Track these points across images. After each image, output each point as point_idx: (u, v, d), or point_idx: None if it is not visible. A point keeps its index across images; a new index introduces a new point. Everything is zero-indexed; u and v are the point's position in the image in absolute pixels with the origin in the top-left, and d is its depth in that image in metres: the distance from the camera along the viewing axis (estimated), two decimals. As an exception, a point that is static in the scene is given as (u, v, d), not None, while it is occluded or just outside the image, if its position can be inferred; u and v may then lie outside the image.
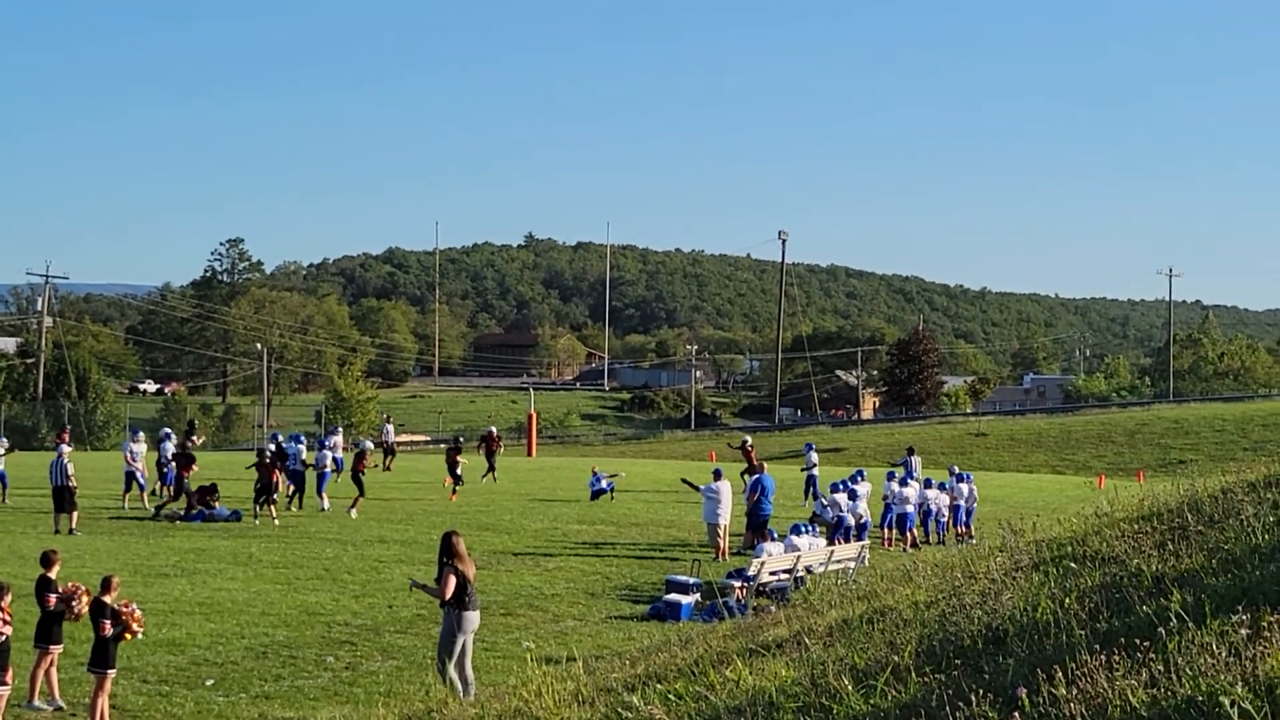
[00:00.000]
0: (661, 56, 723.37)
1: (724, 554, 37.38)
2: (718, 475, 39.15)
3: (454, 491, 52.95)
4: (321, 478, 47.11)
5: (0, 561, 32.62)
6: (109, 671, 19.94)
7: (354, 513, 44.38)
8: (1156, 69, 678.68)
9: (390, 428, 68.01)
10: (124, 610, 20.23)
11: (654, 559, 37.41)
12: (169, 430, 53.61)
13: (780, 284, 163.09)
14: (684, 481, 47.20)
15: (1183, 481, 24.79)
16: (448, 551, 20.08)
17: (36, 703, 21.07)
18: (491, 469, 58.35)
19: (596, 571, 35.08)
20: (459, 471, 54.36)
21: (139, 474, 46.24)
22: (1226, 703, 7.84)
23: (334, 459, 51.06)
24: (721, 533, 37.96)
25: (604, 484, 51.84)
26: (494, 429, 64.19)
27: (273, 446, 46.18)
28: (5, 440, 44.06)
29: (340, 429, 63.83)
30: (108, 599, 20.18)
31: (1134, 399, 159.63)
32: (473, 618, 20.01)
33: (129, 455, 46.79)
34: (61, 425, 73.42)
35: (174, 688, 22.42)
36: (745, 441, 57.84)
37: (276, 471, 44.18)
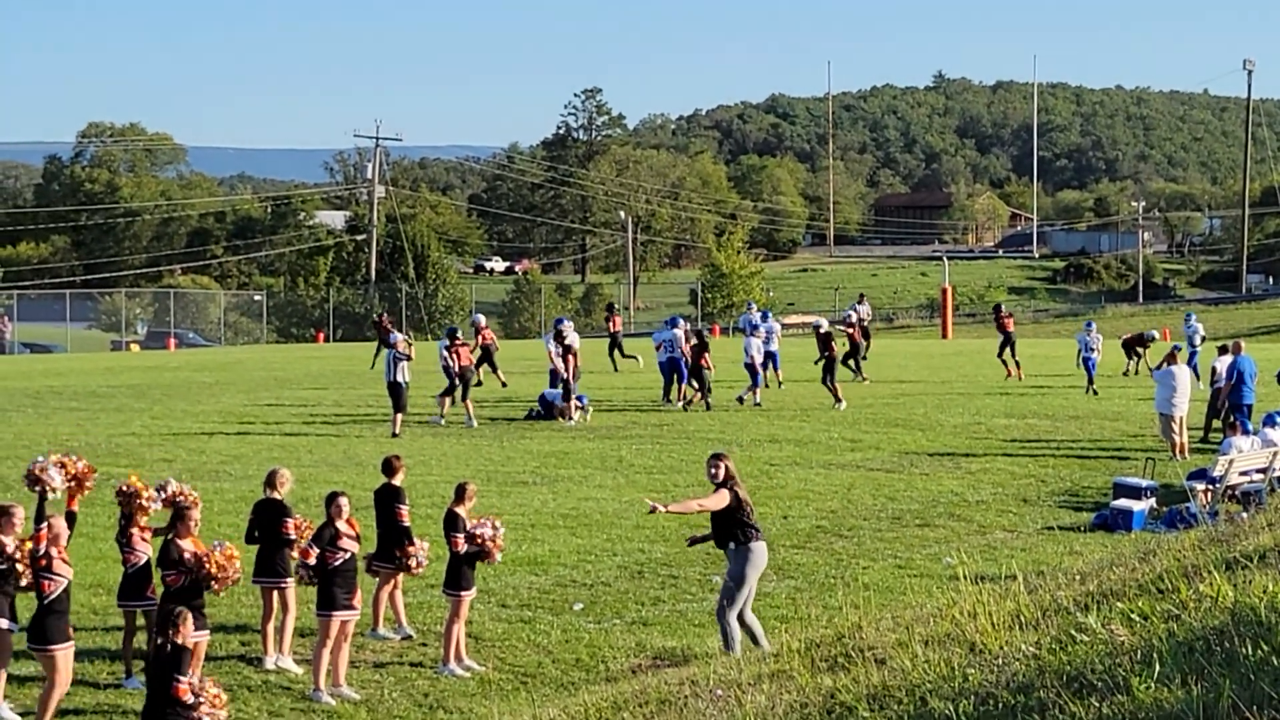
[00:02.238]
0: None
1: (1182, 450, 36.71)
2: (1172, 358, 38.46)
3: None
4: (750, 369, 47.40)
5: (335, 469, 33.61)
6: (464, 594, 20.29)
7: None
8: None
9: (863, 308, 66.68)
10: (482, 532, 20.40)
11: (1098, 458, 37.02)
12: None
13: (1246, 124, 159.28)
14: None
15: None
16: (727, 475, 19.06)
17: (382, 630, 21.61)
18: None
19: (1029, 474, 34.82)
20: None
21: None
22: None
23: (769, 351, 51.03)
24: (1177, 426, 37.23)
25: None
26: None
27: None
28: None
29: (768, 312, 61.61)
30: (462, 510, 20.47)
31: None
32: (762, 551, 19.33)
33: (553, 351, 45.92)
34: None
35: (537, 613, 22.85)
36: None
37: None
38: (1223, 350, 40.33)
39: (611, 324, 62.73)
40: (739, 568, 18.91)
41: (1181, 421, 37.27)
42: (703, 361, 45.94)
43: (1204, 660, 8.98)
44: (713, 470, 19.19)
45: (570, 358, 44.08)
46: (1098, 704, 8.59)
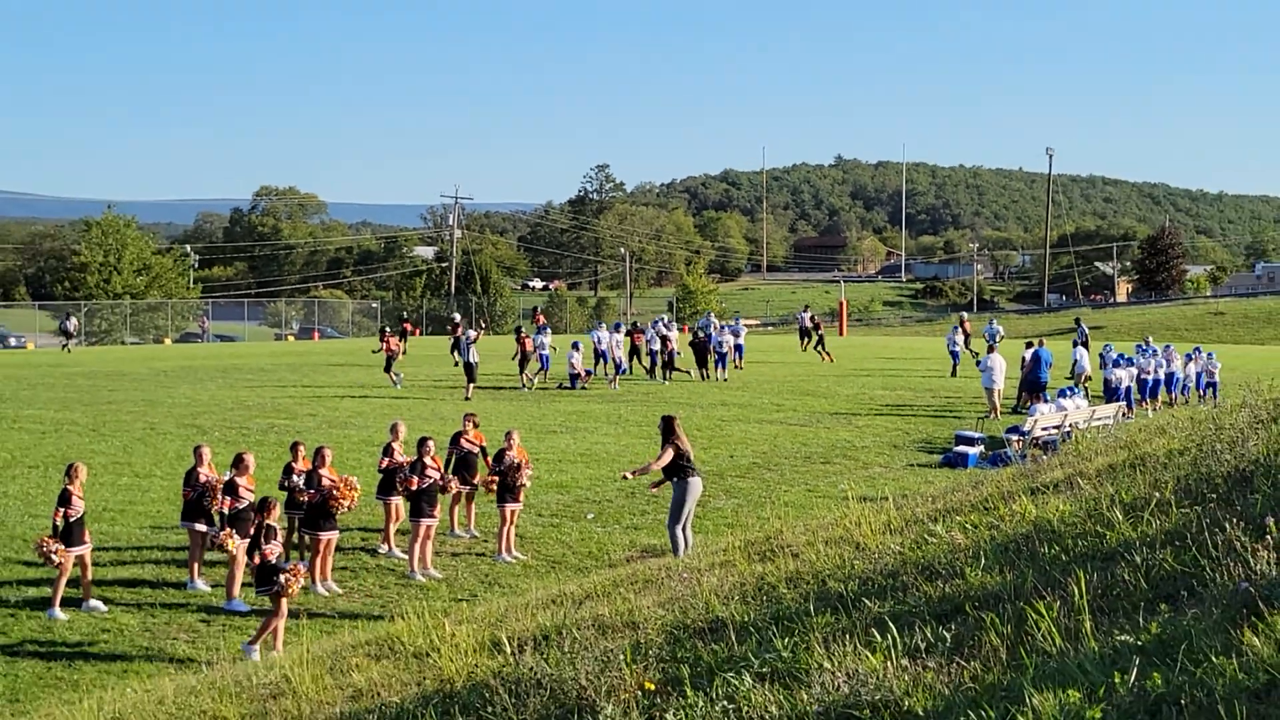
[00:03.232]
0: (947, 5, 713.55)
1: (998, 412, 36.76)
2: (989, 350, 38.82)
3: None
4: (721, 357, 47.66)
5: (425, 421, 33.53)
6: (509, 506, 20.38)
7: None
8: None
9: (807, 315, 66.24)
10: (512, 458, 20.56)
11: (945, 418, 36.94)
12: (619, 323, 52.73)
13: (1048, 192, 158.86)
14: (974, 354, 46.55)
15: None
16: (669, 431, 18.91)
17: (456, 531, 21.70)
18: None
19: (898, 428, 34.76)
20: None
21: (600, 358, 46.25)
22: None
23: (736, 345, 50.79)
24: (996, 396, 37.37)
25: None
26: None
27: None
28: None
29: (739, 318, 59.85)
30: (511, 451, 20.61)
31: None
32: (696, 484, 19.07)
33: (596, 341, 46.79)
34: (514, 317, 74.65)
35: (562, 520, 22.88)
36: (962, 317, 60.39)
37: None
38: (1029, 345, 40.34)
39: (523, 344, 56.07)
40: (679, 495, 18.79)
41: (999, 392, 37.37)
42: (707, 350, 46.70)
43: (1015, 556, 8.94)
44: (662, 426, 19.16)
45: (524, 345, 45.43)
46: (942, 585, 8.55)
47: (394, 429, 20.92)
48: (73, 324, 76.11)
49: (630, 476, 19.25)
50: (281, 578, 15.38)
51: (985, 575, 8.49)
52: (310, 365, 54.55)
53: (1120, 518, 9.20)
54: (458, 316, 54.43)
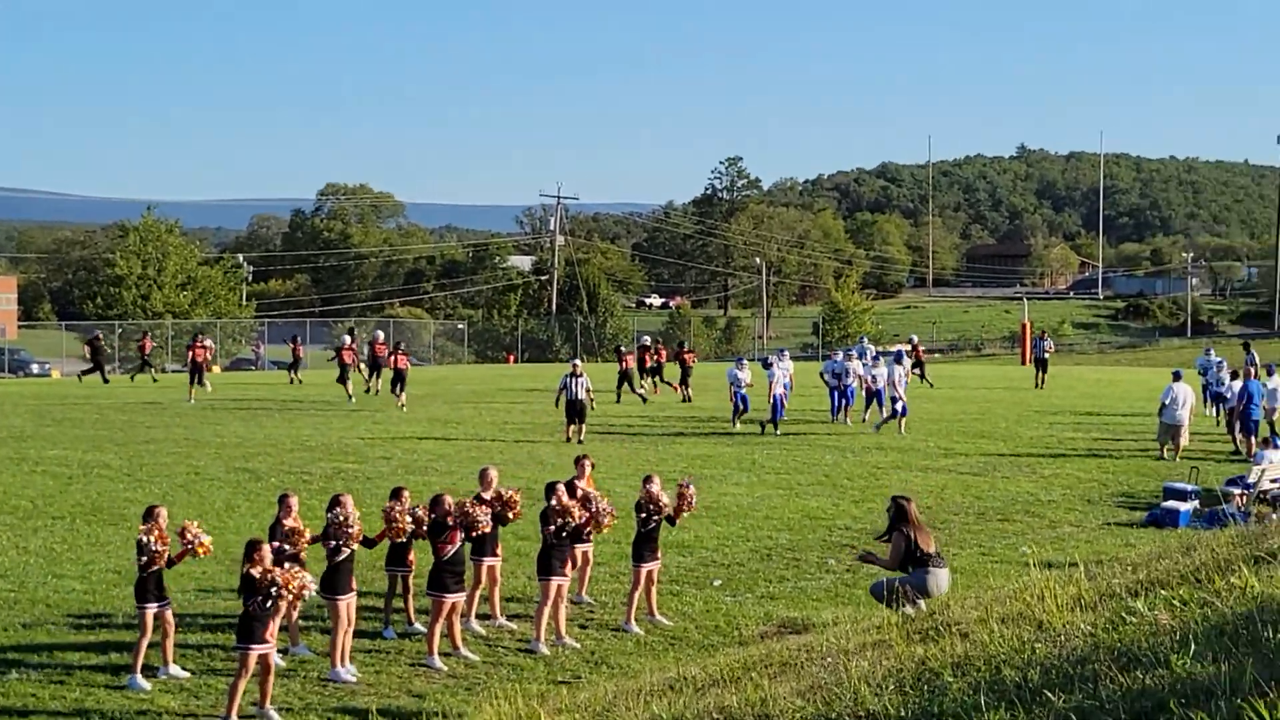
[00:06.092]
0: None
1: (1179, 452, 36.40)
2: (1176, 377, 38.38)
3: None
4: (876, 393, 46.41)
5: (520, 466, 33.69)
6: (645, 565, 20.80)
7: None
8: None
9: (1047, 344, 65.30)
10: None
11: (1150, 465, 36.55)
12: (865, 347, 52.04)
13: (1279, 188, 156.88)
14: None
15: None
16: (899, 517, 17.69)
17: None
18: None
19: (1093, 478, 34.43)
20: None
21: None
22: None
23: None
24: (1183, 435, 37.02)
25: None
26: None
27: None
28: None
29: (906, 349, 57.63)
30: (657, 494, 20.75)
31: None
32: (941, 576, 17.62)
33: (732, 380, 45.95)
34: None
35: (684, 587, 22.96)
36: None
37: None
38: (1234, 375, 40.00)
39: (624, 362, 55.59)
40: (915, 583, 17.32)
41: (1185, 430, 37.13)
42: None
43: (1231, 643, 8.88)
44: (891, 511, 17.99)
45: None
46: (1142, 676, 8.50)
47: (483, 476, 20.96)
48: (304, 351, 74.80)
49: (863, 560, 19.29)
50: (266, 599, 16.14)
51: (1195, 664, 8.43)
52: (384, 398, 55.07)
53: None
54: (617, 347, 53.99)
